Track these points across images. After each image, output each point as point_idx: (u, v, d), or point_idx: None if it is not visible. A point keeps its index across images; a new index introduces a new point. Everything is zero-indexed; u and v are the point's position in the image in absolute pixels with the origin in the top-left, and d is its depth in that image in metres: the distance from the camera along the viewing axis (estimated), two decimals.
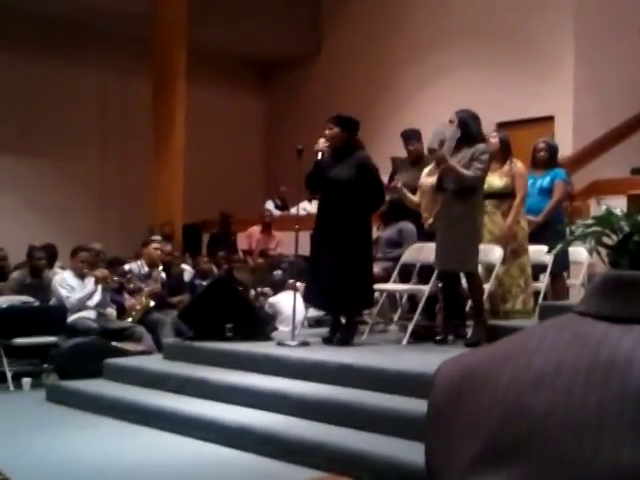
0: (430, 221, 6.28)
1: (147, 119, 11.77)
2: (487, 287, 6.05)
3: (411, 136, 7.11)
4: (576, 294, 6.81)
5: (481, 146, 5.73)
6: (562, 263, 6.66)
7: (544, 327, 0.62)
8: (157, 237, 10.37)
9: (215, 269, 9.87)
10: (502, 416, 0.58)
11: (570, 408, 0.54)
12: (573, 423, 0.54)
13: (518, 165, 6.48)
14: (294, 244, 6.62)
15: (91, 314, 7.79)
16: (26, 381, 7.05)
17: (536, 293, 6.47)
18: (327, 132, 6.08)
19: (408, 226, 7.13)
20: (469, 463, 0.59)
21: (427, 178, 6.41)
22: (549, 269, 6.50)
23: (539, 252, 6.47)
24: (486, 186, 6.24)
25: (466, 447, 0.60)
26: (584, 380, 0.55)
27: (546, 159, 7.07)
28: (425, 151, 6.88)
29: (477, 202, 5.81)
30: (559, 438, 0.54)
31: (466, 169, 5.64)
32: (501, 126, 9.50)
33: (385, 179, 7.20)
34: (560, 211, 7.06)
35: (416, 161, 7.09)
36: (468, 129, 5.70)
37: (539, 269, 6.64)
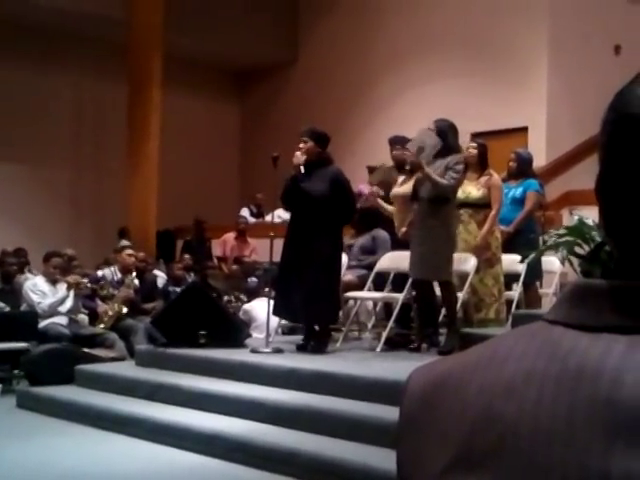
0: (403, 230, 6.31)
1: (122, 125, 11.71)
2: (461, 296, 6.09)
3: (396, 142, 7.14)
4: (548, 303, 6.87)
5: (456, 157, 5.80)
6: (535, 272, 6.72)
7: (514, 335, 0.63)
8: (126, 242, 10.30)
9: (188, 276, 9.82)
10: (472, 424, 0.58)
11: (540, 416, 0.55)
12: (543, 431, 0.54)
13: (495, 177, 6.55)
14: (269, 251, 6.61)
15: (63, 320, 7.72)
16: None
17: (509, 302, 6.52)
18: (302, 146, 6.11)
19: (381, 233, 7.16)
20: (440, 471, 0.59)
21: (399, 188, 6.45)
22: (522, 278, 6.56)
23: (512, 261, 6.52)
24: (463, 196, 6.30)
25: (437, 455, 0.60)
26: (554, 388, 0.55)
27: (514, 169, 7.14)
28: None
29: (451, 211, 5.88)
30: (529, 446, 0.55)
31: (441, 177, 5.69)
32: (476, 136, 9.56)
33: (363, 188, 7.23)
34: (532, 221, 7.13)
35: (399, 167, 7.10)
36: (445, 139, 5.77)
37: (512, 278, 6.69)
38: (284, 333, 7.48)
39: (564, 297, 0.61)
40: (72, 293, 7.81)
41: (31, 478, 4.45)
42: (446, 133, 5.80)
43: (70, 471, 4.56)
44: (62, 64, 13.01)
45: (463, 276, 6.25)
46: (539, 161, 8.97)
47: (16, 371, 7.32)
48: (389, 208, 6.70)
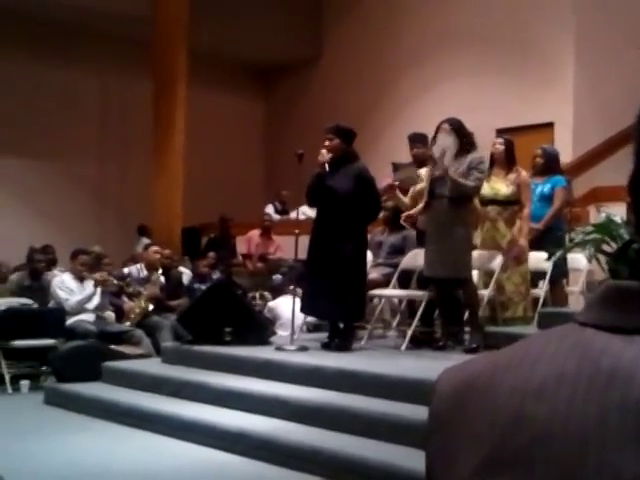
0: (409, 214, 6.29)
1: (147, 122, 11.77)
2: (487, 293, 6.06)
3: (416, 140, 7.10)
4: (575, 301, 6.82)
5: (478, 156, 5.78)
6: (561, 270, 6.67)
7: (545, 336, 0.62)
8: (146, 240, 10.36)
9: (213, 273, 9.86)
10: (503, 426, 0.58)
11: (572, 418, 0.54)
12: (575, 433, 0.54)
13: (523, 174, 6.51)
14: (293, 248, 6.62)
15: (90, 317, 7.79)
16: (24, 383, 7.05)
17: (535, 300, 6.48)
18: (327, 143, 6.10)
19: (413, 233, 7.13)
20: (470, 472, 0.59)
21: (420, 184, 6.42)
22: (548, 276, 6.51)
23: (538, 259, 6.48)
24: (492, 192, 6.27)
25: (467, 456, 0.60)
26: (586, 390, 0.55)
27: (541, 165, 7.09)
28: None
29: (471, 208, 5.86)
30: (561, 448, 0.54)
31: (464, 177, 5.67)
32: (501, 132, 9.50)
33: (387, 182, 7.20)
34: (560, 218, 7.08)
35: (420, 165, 7.07)
36: (464, 136, 5.75)
37: (538, 276, 6.65)
38: (309, 331, 7.49)
39: (595, 299, 0.61)
40: (99, 290, 7.88)
41: (58, 474, 4.49)
42: (463, 130, 5.80)
43: (96, 467, 4.61)
44: (88, 61, 13.12)
45: (489, 274, 6.22)
46: (565, 157, 8.90)
47: (44, 367, 7.41)
48: (405, 201, 6.62)
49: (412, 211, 6.24)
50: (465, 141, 5.78)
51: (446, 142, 5.77)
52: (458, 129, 5.80)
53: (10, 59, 12.35)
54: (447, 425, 0.64)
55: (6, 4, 11.75)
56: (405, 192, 6.75)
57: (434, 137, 6.05)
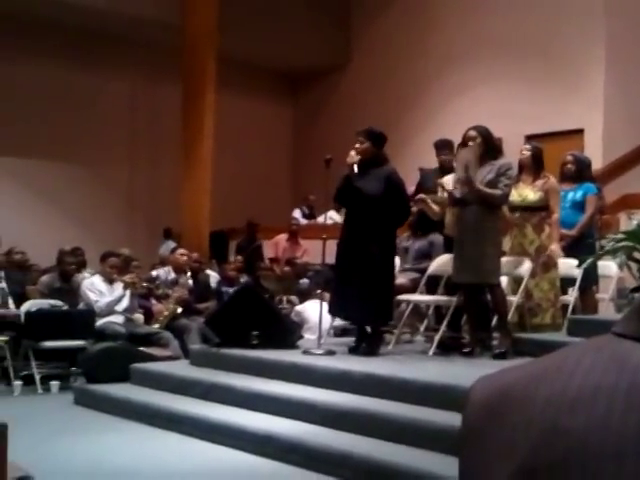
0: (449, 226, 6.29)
1: (176, 126, 11.87)
2: (515, 299, 6.03)
3: (443, 146, 7.08)
4: (605, 308, 6.76)
5: (506, 162, 5.76)
6: (591, 277, 6.62)
7: (581, 347, 0.63)
8: (172, 244, 10.42)
9: (241, 276, 9.91)
10: (538, 437, 0.58)
11: (608, 431, 0.54)
12: (611, 447, 0.54)
13: (552, 180, 6.47)
14: (320, 253, 6.63)
15: (119, 319, 7.86)
16: (54, 384, 7.13)
17: (564, 307, 6.43)
18: (358, 145, 6.10)
19: (439, 238, 7.11)
20: None
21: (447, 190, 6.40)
22: (578, 283, 6.46)
23: (568, 265, 6.43)
24: (519, 199, 6.25)
25: (501, 467, 0.60)
26: (623, 403, 0.55)
27: (573, 172, 7.04)
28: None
29: (499, 214, 5.83)
30: (596, 462, 0.54)
31: (493, 184, 5.65)
32: (530, 138, 9.45)
33: (412, 189, 7.19)
34: (591, 225, 7.03)
35: (446, 172, 7.05)
36: (491, 142, 5.74)
37: (568, 283, 6.60)
38: (336, 335, 7.49)
39: (633, 310, 0.61)
40: (128, 292, 7.95)
41: (86, 473, 4.54)
42: (490, 136, 5.78)
43: (124, 468, 4.64)
44: (119, 68, 13.27)
45: (518, 280, 6.19)
46: (595, 164, 8.82)
47: (73, 368, 7.49)
48: (435, 209, 6.61)
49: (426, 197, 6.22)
50: (493, 148, 5.77)
51: (467, 156, 5.77)
52: (485, 136, 5.78)
53: (43, 65, 12.52)
54: (481, 435, 0.64)
55: (40, 12, 11.92)
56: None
57: (460, 145, 6.03)
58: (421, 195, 6.53)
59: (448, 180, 6.36)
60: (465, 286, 5.88)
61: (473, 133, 5.81)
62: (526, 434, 0.59)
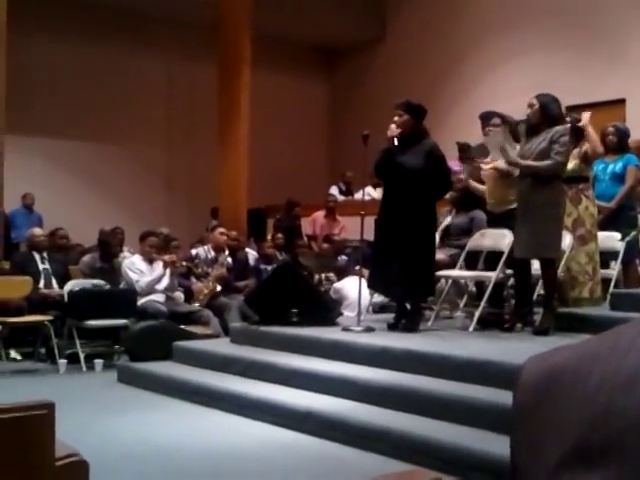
0: (491, 202, 6.23)
1: (213, 105, 11.90)
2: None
3: (488, 118, 6.98)
4: None
5: (560, 128, 5.61)
6: (634, 251, 6.51)
7: (635, 327, 0.62)
8: (214, 222, 10.49)
9: (279, 254, 9.94)
10: (592, 417, 0.57)
11: None
12: None
13: (586, 145, 6.36)
14: (358, 229, 6.61)
15: (160, 297, 7.94)
16: (98, 362, 7.25)
17: (607, 281, 6.34)
18: (396, 119, 6.04)
19: (480, 215, 7.05)
20: (558, 462, 0.59)
21: (489, 165, 6.33)
22: (621, 256, 6.36)
23: (609, 238, 6.33)
24: None
25: (553, 447, 0.60)
26: None
27: (615, 143, 6.91)
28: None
29: (558, 186, 5.68)
30: None
31: (545, 153, 5.54)
32: (571, 109, 9.29)
33: (453, 165, 7.15)
34: (632, 197, 6.90)
35: None
36: (548, 111, 5.62)
37: (609, 256, 6.50)
38: (375, 312, 7.49)
39: None
40: (168, 271, 8.03)
41: (129, 450, 4.61)
42: (547, 105, 5.65)
43: (167, 444, 4.71)
44: (154, 47, 13.32)
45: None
46: (636, 134, 8.66)
47: (116, 347, 7.61)
48: (480, 187, 6.59)
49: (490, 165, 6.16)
50: (549, 118, 5.63)
51: (498, 139, 5.70)
52: (543, 104, 5.65)
53: (79, 45, 12.61)
54: (532, 415, 0.63)
55: None
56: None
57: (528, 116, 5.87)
58: (462, 176, 6.47)
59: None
60: (515, 261, 5.80)
61: (532, 101, 5.71)
62: (579, 414, 0.58)
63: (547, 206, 5.53)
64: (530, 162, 5.57)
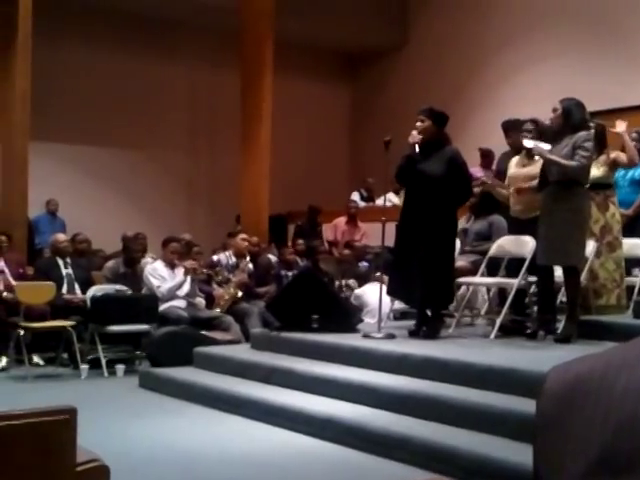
0: (517, 208, 6.19)
1: (235, 110, 11.94)
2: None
3: (510, 127, 6.93)
4: None
5: (583, 133, 5.55)
6: None
7: None
8: (239, 228, 10.51)
9: (300, 260, 9.94)
10: (618, 425, 0.57)
11: None
12: None
13: (615, 152, 6.32)
14: (380, 235, 6.60)
15: (182, 303, 7.97)
16: (120, 367, 7.29)
17: (630, 288, 6.28)
18: (418, 124, 6.02)
19: (499, 220, 7.01)
20: (582, 473, 0.58)
21: (518, 169, 6.29)
22: None
23: (633, 245, 6.28)
24: None
25: (580, 455, 0.59)
26: None
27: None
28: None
29: (583, 193, 5.62)
30: None
31: (569, 158, 5.49)
32: (593, 115, 9.22)
33: (475, 171, 7.12)
34: None
35: (517, 152, 6.93)
36: (571, 117, 5.57)
37: (632, 263, 6.44)
38: (396, 318, 7.47)
39: None
40: (189, 278, 8.05)
41: (151, 455, 4.63)
42: (571, 111, 5.59)
43: (188, 450, 4.72)
44: (177, 53, 13.40)
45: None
46: None
47: (138, 352, 7.65)
48: (503, 192, 6.56)
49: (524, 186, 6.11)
50: (572, 124, 5.57)
51: (537, 149, 5.66)
52: (566, 110, 5.59)
53: (104, 53, 12.71)
54: (556, 424, 0.63)
55: (101, 0, 12.11)
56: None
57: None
58: (487, 179, 6.44)
59: (516, 160, 6.27)
60: (539, 268, 5.75)
61: (556, 105, 5.67)
62: (605, 424, 0.57)
63: (570, 212, 5.48)
64: (556, 157, 5.50)
